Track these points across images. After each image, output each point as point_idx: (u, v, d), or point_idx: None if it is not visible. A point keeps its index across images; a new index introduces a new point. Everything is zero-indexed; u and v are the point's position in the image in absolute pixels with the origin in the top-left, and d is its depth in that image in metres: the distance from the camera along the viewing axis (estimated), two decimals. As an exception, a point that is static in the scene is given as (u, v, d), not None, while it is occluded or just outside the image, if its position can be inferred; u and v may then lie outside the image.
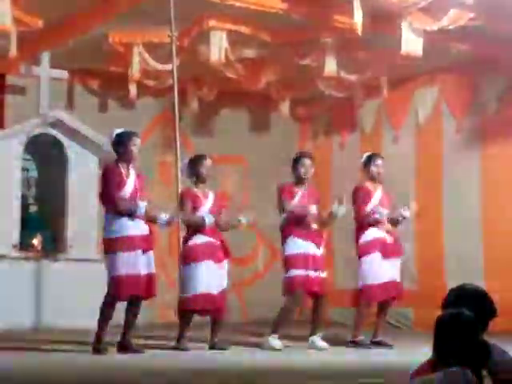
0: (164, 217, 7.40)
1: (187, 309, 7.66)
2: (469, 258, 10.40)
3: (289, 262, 7.91)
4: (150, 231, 7.40)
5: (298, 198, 8.02)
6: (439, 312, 3.49)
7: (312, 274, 7.88)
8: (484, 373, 3.26)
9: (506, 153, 10.41)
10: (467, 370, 3.19)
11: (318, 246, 7.98)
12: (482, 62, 10.25)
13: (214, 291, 7.63)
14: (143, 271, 7.22)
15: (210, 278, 7.62)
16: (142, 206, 7.24)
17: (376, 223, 8.17)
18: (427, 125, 11.27)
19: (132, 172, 7.38)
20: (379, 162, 8.38)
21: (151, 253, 7.35)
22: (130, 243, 7.17)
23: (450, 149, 10.99)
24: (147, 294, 7.35)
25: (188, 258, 7.70)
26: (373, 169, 8.36)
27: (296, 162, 8.13)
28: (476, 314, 3.34)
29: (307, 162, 8.12)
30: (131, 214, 7.20)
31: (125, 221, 7.21)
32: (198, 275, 7.58)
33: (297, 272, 7.85)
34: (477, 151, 10.69)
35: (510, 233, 10.15)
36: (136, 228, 7.23)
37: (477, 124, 10.76)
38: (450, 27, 8.86)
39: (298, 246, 7.90)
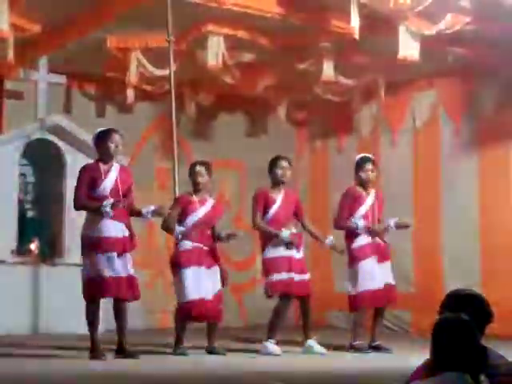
0: (147, 210, 7.26)
1: (182, 316, 7.64)
2: (466, 261, 10.40)
3: (270, 266, 7.86)
4: (131, 233, 7.25)
5: (276, 208, 7.96)
6: (437, 315, 3.49)
7: (295, 277, 7.85)
8: (482, 377, 3.25)
9: (503, 156, 10.43)
10: (466, 374, 3.18)
11: (297, 249, 7.96)
12: (479, 66, 10.27)
13: (206, 296, 7.57)
14: (116, 274, 7.07)
15: (200, 283, 7.57)
16: (107, 203, 7.02)
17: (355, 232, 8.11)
18: (425, 129, 11.28)
19: (114, 168, 7.25)
20: (368, 166, 8.21)
21: (127, 255, 7.17)
22: (98, 244, 7.05)
23: (447, 152, 10.99)
24: (128, 297, 7.19)
25: (174, 264, 7.70)
26: (361, 174, 8.22)
27: (272, 164, 8.04)
28: (473, 318, 3.33)
29: (284, 163, 8.03)
30: (100, 212, 7.04)
31: (96, 221, 7.11)
32: (186, 281, 7.53)
33: (279, 276, 7.80)
34: (474, 155, 10.71)
35: (508, 236, 10.16)
36: (107, 230, 7.10)
37: (474, 128, 10.78)
38: (447, 31, 8.88)
39: (279, 249, 7.86)
